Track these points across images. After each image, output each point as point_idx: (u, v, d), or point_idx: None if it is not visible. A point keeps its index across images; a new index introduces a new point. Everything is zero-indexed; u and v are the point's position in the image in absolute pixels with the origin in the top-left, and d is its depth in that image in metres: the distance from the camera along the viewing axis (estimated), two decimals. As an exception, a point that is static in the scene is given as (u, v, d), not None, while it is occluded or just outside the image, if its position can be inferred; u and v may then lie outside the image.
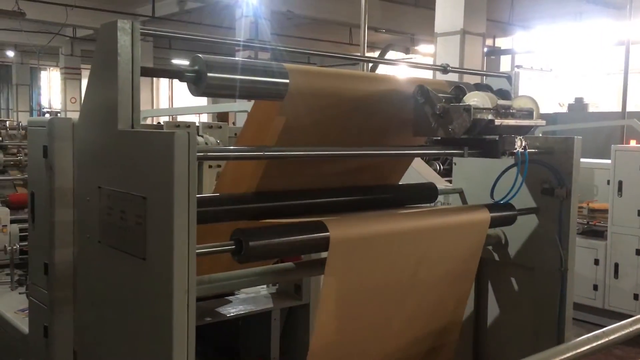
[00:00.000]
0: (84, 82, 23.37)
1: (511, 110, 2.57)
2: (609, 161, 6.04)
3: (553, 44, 16.66)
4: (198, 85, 2.03)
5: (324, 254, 2.29)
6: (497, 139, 2.51)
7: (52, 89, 27.66)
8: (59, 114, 19.76)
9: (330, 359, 2.25)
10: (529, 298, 2.99)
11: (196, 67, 2.00)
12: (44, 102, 27.80)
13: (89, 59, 22.77)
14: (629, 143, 7.72)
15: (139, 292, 1.79)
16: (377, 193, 2.85)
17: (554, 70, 17.35)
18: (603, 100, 16.48)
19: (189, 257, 1.65)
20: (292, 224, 2.10)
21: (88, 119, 2.07)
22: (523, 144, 2.53)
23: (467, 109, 2.41)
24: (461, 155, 2.49)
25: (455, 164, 3.32)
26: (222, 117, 14.16)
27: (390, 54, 15.26)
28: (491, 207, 2.68)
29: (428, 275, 2.44)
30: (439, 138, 2.58)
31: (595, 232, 6.22)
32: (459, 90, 2.70)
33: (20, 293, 3.50)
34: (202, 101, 17.81)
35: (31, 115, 25.35)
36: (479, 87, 2.98)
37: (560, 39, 16.21)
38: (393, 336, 2.45)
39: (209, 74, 2.00)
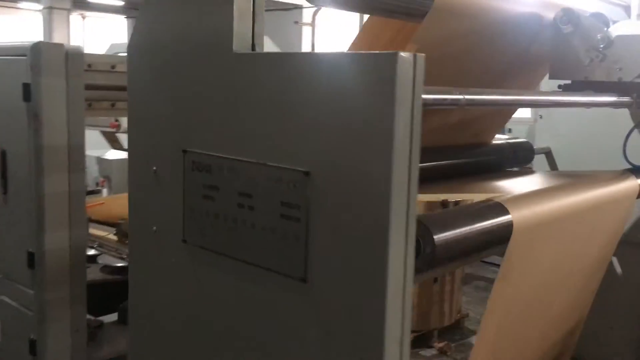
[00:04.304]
0: None
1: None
2: None
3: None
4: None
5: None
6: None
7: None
8: None
9: None
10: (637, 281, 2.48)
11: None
12: None
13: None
14: None
15: (288, 341, 1.05)
16: (476, 155, 2.23)
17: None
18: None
19: (405, 281, 0.93)
20: (468, 205, 1.41)
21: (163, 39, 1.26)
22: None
23: (649, 42, 1.79)
24: (628, 106, 1.87)
25: (540, 117, 2.71)
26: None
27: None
28: (635, 173, 2.09)
29: (585, 259, 1.85)
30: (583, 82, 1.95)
31: None
32: (598, 19, 2.08)
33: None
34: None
35: None
36: (595, 17, 2.36)
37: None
38: (538, 339, 1.86)
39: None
